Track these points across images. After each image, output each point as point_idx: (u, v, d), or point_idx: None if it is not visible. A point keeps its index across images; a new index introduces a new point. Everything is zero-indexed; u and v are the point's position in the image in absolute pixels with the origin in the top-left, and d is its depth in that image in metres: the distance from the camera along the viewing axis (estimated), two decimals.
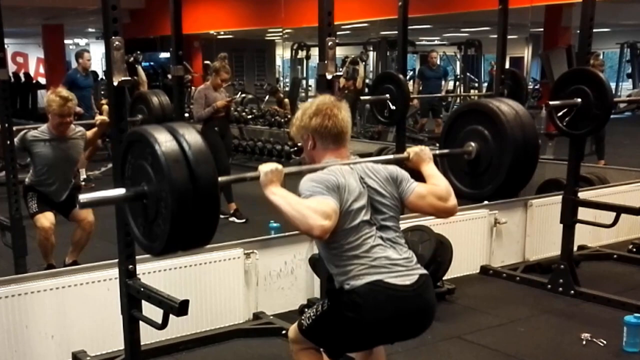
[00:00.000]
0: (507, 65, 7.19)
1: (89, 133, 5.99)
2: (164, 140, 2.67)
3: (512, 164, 3.60)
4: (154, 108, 5.71)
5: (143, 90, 7.36)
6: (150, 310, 3.30)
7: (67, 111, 5.64)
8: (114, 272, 3.62)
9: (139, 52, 13.94)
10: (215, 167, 2.72)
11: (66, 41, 21.83)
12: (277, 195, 2.95)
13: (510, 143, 3.58)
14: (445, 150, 3.89)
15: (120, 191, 2.87)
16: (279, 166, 3.06)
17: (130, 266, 3.40)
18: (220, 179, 2.81)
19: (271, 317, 5.12)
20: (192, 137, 2.69)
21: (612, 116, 5.31)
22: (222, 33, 19.63)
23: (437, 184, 3.31)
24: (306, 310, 3.34)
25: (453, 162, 3.92)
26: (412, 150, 3.49)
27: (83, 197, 2.81)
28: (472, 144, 3.73)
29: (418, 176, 3.36)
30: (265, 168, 3.02)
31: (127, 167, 2.92)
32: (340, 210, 2.96)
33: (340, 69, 12.93)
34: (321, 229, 2.84)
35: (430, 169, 3.42)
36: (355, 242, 3.02)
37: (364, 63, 14.93)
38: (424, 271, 3.15)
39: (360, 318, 2.99)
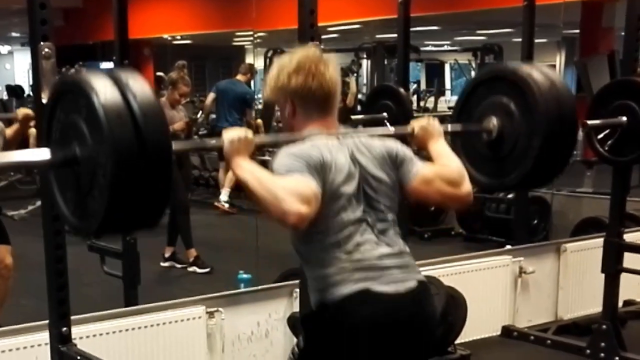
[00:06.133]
0: None
1: (9, 131, 5.94)
2: (103, 89, 2.57)
3: (543, 146, 3.55)
4: None
5: None
6: None
7: None
8: (44, 336, 3.61)
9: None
10: (167, 124, 2.66)
11: None
12: (245, 169, 2.90)
13: (542, 120, 3.53)
14: (460, 126, 3.85)
15: (45, 153, 2.78)
16: (249, 133, 3.02)
17: (64, 329, 3.41)
18: (174, 143, 2.74)
19: None
20: (138, 85, 2.62)
21: None
22: (178, 38, 19.72)
23: (447, 164, 3.27)
24: None
25: (468, 143, 3.86)
26: (418, 124, 3.47)
27: None
28: (494, 119, 3.69)
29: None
30: (231, 135, 2.97)
31: (55, 125, 2.83)
32: (324, 193, 2.91)
33: None
34: (297, 216, 2.76)
35: (439, 147, 3.40)
36: (340, 236, 2.98)
37: (355, 74, 14.99)
38: (422, 277, 3.11)
39: (346, 340, 2.95)
